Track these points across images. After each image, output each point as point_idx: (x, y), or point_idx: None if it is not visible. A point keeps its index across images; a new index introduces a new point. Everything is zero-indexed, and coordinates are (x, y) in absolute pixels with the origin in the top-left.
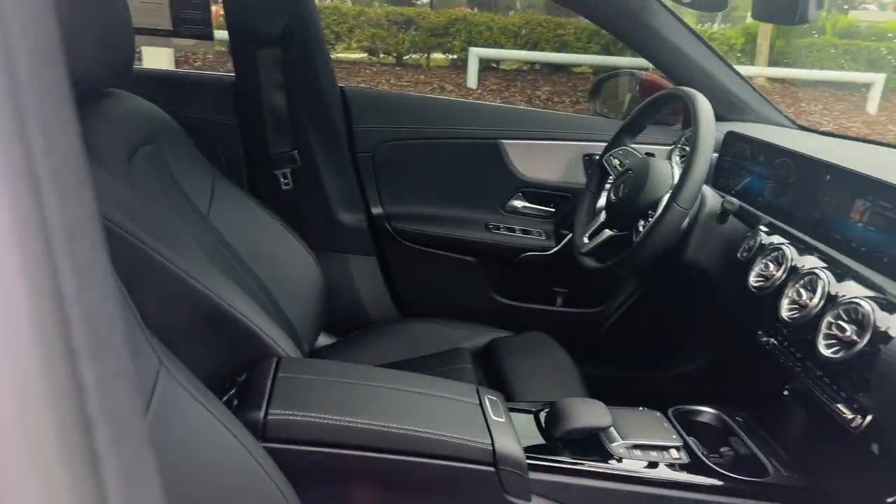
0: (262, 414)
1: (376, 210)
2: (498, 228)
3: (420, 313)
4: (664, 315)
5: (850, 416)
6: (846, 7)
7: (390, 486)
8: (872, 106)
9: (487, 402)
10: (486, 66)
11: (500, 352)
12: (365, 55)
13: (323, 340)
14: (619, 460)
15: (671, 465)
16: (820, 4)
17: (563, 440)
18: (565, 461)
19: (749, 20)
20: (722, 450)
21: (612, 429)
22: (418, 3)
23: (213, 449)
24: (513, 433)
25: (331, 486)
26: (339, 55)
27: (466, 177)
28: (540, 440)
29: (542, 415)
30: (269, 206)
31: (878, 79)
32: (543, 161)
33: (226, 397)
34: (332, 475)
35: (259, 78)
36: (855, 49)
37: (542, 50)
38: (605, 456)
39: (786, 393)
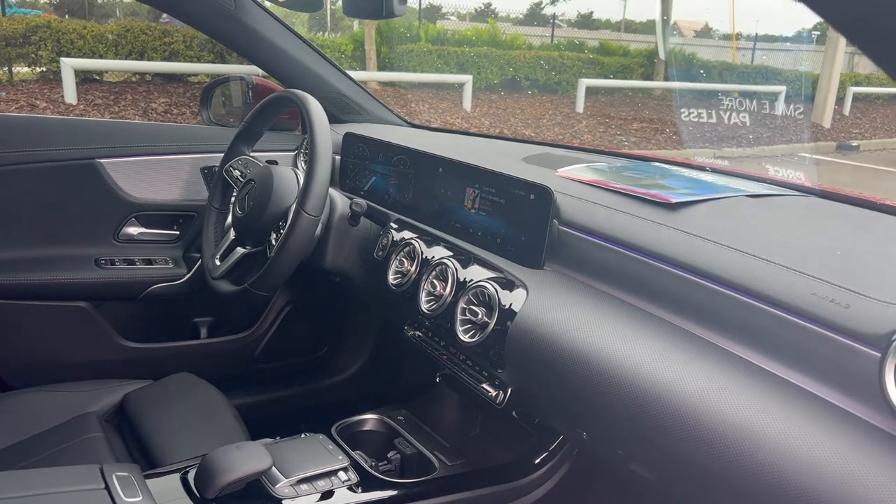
0: None
1: None
2: (112, 263)
3: (26, 382)
4: (317, 325)
5: (493, 393)
6: (435, 17)
7: None
8: (467, 103)
9: (116, 482)
10: (86, 78)
11: (136, 408)
12: None
13: None
14: (281, 502)
15: (340, 490)
16: (403, 0)
17: (218, 500)
18: None
19: (356, 28)
20: (389, 455)
21: (273, 469)
22: None
23: None
24: None
25: None
26: None
27: (59, 207)
28: None
29: (192, 475)
30: None
31: (467, 79)
32: (156, 179)
33: None
34: None
35: None
36: (446, 53)
37: (150, 59)
38: (270, 503)
39: (438, 380)
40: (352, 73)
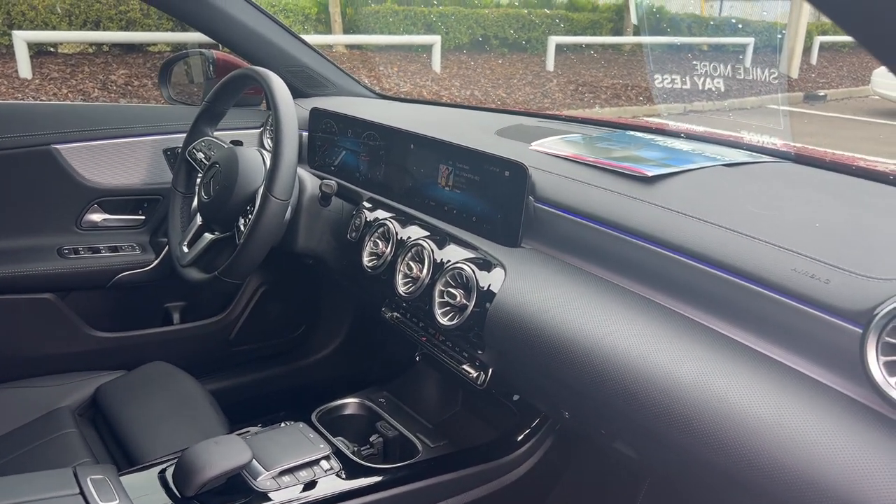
0: None
1: None
2: (77, 252)
3: None
4: (292, 306)
5: (474, 374)
6: None
7: None
8: (436, 64)
9: (91, 486)
10: (40, 51)
11: (110, 401)
12: None
13: None
14: (267, 496)
15: (324, 480)
16: None
17: (199, 497)
18: None
19: None
20: (372, 439)
21: (253, 462)
22: None
23: None
24: None
25: None
26: None
27: (17, 197)
28: None
29: (170, 472)
30: None
31: (436, 40)
32: (117, 163)
33: None
34: None
35: None
36: (413, 14)
37: (107, 29)
38: (252, 497)
39: (418, 358)
40: (318, 38)
